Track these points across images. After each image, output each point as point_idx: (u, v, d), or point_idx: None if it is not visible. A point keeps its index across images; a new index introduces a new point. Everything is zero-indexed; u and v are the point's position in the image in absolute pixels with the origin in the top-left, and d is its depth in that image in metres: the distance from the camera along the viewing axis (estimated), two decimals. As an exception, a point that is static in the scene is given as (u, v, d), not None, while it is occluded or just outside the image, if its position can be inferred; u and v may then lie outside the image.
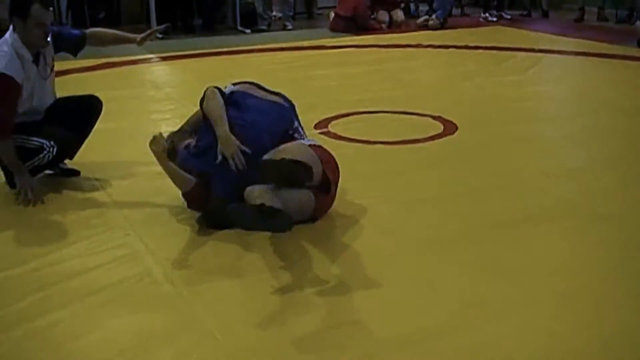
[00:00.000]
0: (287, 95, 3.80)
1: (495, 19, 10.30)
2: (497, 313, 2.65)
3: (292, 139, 3.53)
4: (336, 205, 3.53)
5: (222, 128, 3.39)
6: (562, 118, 5.38)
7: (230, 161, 3.33)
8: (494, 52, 7.84)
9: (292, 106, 3.74)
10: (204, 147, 3.47)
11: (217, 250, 3.19)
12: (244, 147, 3.35)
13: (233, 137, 3.37)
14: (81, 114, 3.97)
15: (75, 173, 4.07)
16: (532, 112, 5.50)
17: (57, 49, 3.87)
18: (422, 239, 3.26)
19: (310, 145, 3.43)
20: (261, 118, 3.51)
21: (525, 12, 10.74)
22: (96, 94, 4.05)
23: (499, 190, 3.81)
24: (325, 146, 3.60)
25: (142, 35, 4.06)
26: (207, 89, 3.58)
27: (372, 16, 10.08)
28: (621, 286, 2.85)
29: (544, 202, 3.68)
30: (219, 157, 3.36)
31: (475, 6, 11.67)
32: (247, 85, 3.76)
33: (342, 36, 9.10)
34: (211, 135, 3.43)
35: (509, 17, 10.51)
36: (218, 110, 3.46)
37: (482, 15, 10.46)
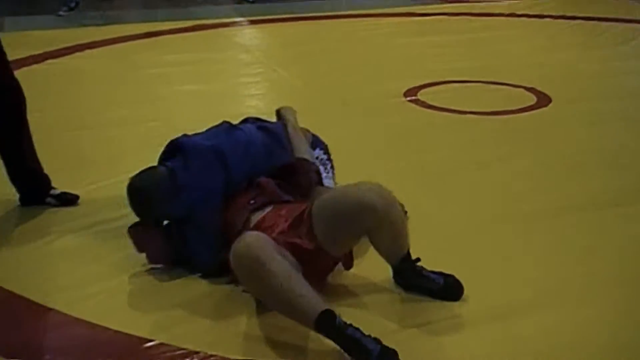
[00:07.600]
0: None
1: None
2: (576, 294, 2.53)
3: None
4: (420, 174, 3.53)
5: None
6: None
7: None
8: (591, 22, 7.52)
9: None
10: None
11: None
12: None
13: None
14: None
15: (71, 201, 3.19)
16: (632, 88, 5.26)
17: None
18: (501, 214, 3.14)
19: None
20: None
21: None
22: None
23: (594, 167, 3.66)
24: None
25: None
26: None
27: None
28: None
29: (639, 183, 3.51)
30: None
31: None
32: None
33: (432, 3, 8.92)
34: None
35: None
36: None
37: None
